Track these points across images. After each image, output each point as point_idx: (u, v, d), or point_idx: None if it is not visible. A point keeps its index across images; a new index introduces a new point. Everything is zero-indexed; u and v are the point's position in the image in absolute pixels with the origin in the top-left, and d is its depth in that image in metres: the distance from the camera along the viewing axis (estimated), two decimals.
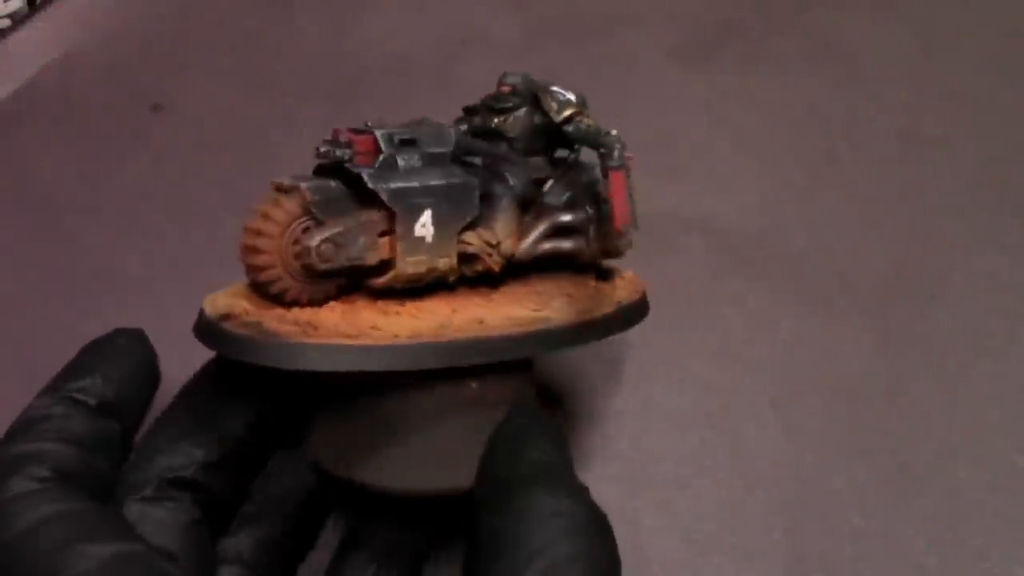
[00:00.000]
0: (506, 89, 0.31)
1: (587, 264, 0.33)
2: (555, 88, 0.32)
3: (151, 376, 0.30)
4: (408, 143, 0.28)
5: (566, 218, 0.31)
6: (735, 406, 0.39)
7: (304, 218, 0.27)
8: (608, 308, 0.32)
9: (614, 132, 0.31)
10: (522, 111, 0.31)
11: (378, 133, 0.28)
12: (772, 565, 0.35)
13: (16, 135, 0.50)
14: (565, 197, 0.32)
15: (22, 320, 0.42)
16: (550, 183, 0.32)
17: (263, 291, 0.28)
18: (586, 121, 0.32)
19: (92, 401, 0.27)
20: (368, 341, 0.27)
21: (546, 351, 0.30)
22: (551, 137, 0.32)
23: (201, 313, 0.28)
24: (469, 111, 0.33)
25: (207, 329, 0.27)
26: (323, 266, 0.27)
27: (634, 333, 0.42)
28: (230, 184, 0.48)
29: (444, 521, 0.33)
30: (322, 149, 0.28)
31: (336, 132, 0.28)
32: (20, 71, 0.53)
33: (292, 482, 0.31)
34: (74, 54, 0.54)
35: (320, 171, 0.29)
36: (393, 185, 0.27)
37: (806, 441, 0.38)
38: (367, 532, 0.31)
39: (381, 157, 0.28)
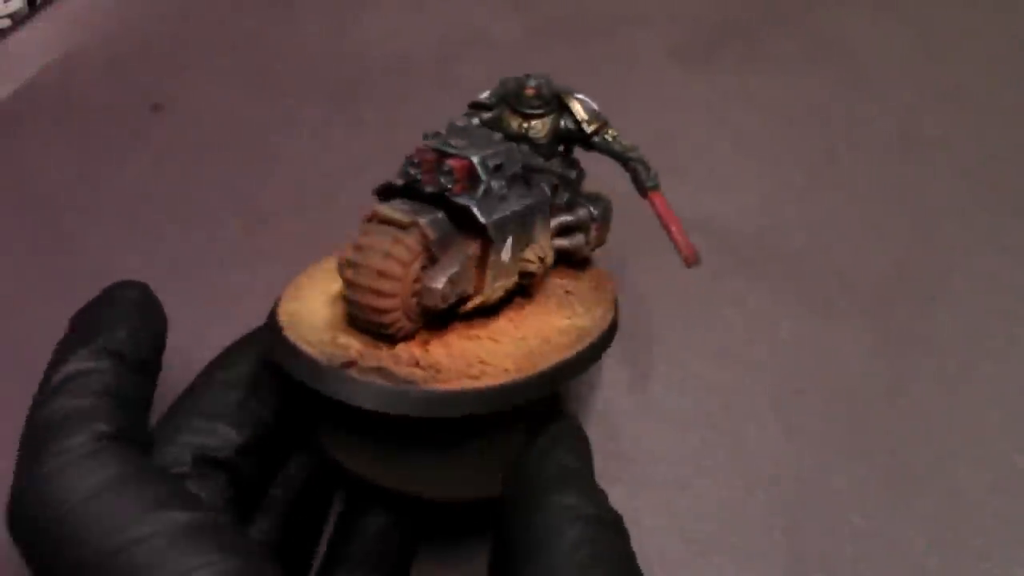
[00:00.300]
0: (531, 92, 0.31)
1: (582, 260, 0.33)
2: (581, 96, 0.32)
3: (164, 332, 0.29)
4: (498, 168, 0.28)
5: (570, 218, 0.32)
6: (735, 406, 0.39)
7: (423, 256, 0.26)
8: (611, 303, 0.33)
9: (638, 147, 0.32)
10: (549, 117, 0.31)
11: (475, 160, 0.27)
12: (772, 565, 0.35)
13: (16, 135, 0.50)
14: (567, 196, 0.32)
15: (22, 320, 0.42)
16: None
17: (374, 329, 0.27)
18: (611, 133, 0.32)
19: (128, 356, 0.26)
20: (489, 380, 0.26)
21: (593, 363, 0.30)
22: (568, 141, 0.32)
23: (296, 351, 0.26)
24: (478, 106, 0.32)
25: (324, 375, 0.26)
26: (443, 305, 0.27)
27: (634, 333, 0.42)
28: (230, 184, 0.48)
29: (436, 520, 0.33)
30: (412, 171, 0.27)
31: (420, 153, 0.27)
32: (20, 71, 0.53)
33: (306, 475, 0.31)
34: (74, 54, 0.54)
35: (398, 192, 0.28)
36: (495, 217, 0.27)
37: (806, 441, 0.38)
38: (357, 531, 0.31)
39: (482, 188, 0.27)
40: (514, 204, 0.28)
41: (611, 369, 0.40)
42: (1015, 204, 0.46)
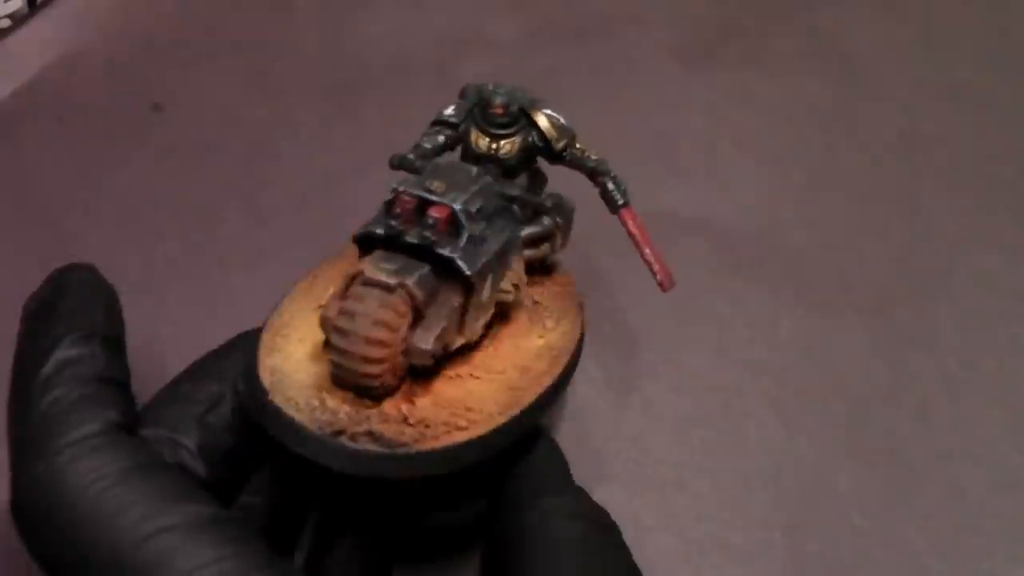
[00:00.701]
0: (500, 111, 0.30)
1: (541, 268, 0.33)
2: (548, 111, 0.31)
3: (121, 310, 0.28)
4: (478, 210, 0.27)
5: (536, 229, 0.31)
6: (735, 406, 0.39)
7: (410, 316, 0.26)
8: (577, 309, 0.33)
9: (607, 161, 0.31)
10: (518, 136, 0.30)
11: (457, 208, 0.26)
12: (772, 565, 0.35)
13: (16, 135, 0.50)
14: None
15: None
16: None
17: (361, 390, 0.26)
18: (579, 147, 0.31)
19: (109, 339, 0.26)
20: (477, 429, 0.26)
21: (567, 383, 0.30)
22: (534, 153, 0.32)
23: (284, 418, 0.26)
24: (442, 123, 0.31)
25: (314, 444, 0.25)
26: (431, 363, 0.26)
27: (634, 333, 0.42)
28: (230, 184, 0.48)
29: (410, 540, 0.33)
30: (393, 223, 0.26)
31: (401, 201, 0.26)
32: (20, 71, 0.53)
33: (279, 488, 0.30)
34: (74, 54, 0.54)
35: (379, 242, 0.27)
36: (479, 263, 0.27)
37: (806, 441, 0.38)
38: (331, 551, 0.31)
39: (466, 235, 0.26)
40: (493, 243, 0.28)
41: (611, 369, 0.40)
42: (1015, 204, 0.46)
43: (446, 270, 0.26)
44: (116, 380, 0.25)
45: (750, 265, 0.44)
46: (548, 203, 0.31)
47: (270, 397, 0.26)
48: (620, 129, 0.50)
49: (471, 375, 0.28)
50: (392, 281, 0.25)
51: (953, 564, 0.35)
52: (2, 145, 0.50)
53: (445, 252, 0.26)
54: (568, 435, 0.38)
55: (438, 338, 0.26)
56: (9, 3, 0.55)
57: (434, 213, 0.26)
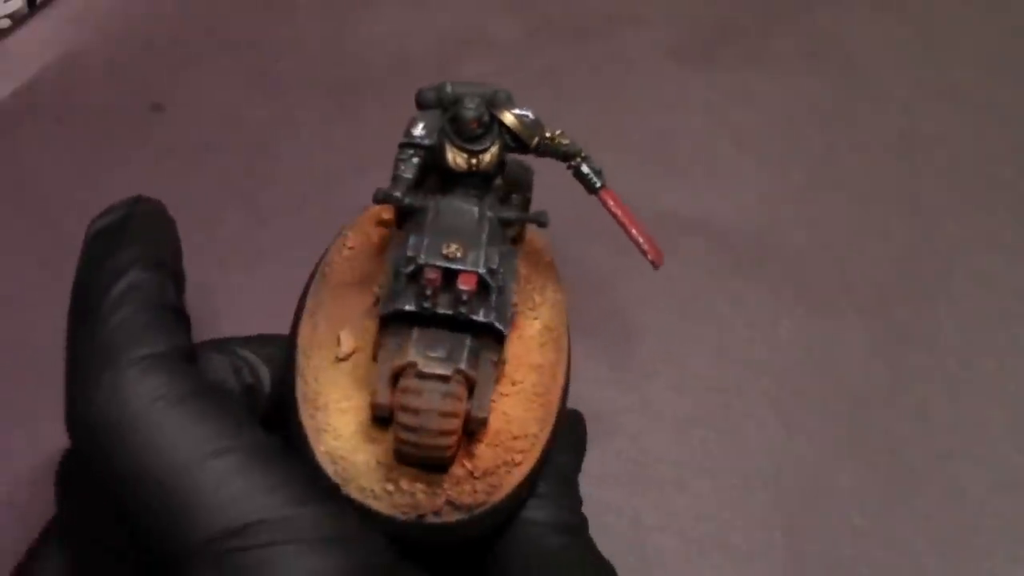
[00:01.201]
0: (474, 125, 0.29)
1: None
2: (517, 111, 0.30)
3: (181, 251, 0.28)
4: (500, 263, 0.28)
5: (510, 214, 0.30)
6: (735, 406, 0.39)
7: (467, 394, 0.27)
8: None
9: (579, 146, 0.31)
10: (495, 145, 0.29)
11: (482, 272, 0.27)
12: (772, 565, 0.35)
13: (16, 135, 0.50)
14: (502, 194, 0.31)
15: (22, 320, 0.42)
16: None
17: (431, 466, 0.27)
18: (549, 136, 0.31)
19: (172, 270, 0.26)
20: (531, 458, 0.27)
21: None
22: (508, 152, 0.31)
23: (369, 511, 0.26)
24: (412, 145, 0.30)
25: (404, 529, 0.26)
26: (487, 424, 0.27)
27: (634, 333, 0.42)
28: (230, 184, 0.48)
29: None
30: (426, 304, 0.26)
31: (428, 277, 0.26)
32: (20, 71, 0.53)
33: None
34: (74, 54, 0.54)
35: (410, 318, 0.27)
36: (508, 315, 0.27)
37: (806, 441, 0.38)
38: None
39: (493, 296, 0.27)
40: (509, 282, 0.28)
41: (611, 369, 0.40)
42: (1015, 204, 0.46)
43: (484, 331, 0.27)
44: (181, 312, 0.25)
45: (750, 265, 0.44)
46: (545, 218, 0.30)
47: (343, 491, 0.26)
48: (619, 129, 0.50)
49: (500, 394, 0.29)
50: (447, 372, 0.26)
51: (953, 564, 0.35)
52: (2, 145, 0.50)
53: (481, 319, 0.26)
54: (582, 414, 0.38)
55: (490, 399, 0.27)
56: (9, 3, 0.55)
57: (463, 285, 0.26)
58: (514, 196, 0.31)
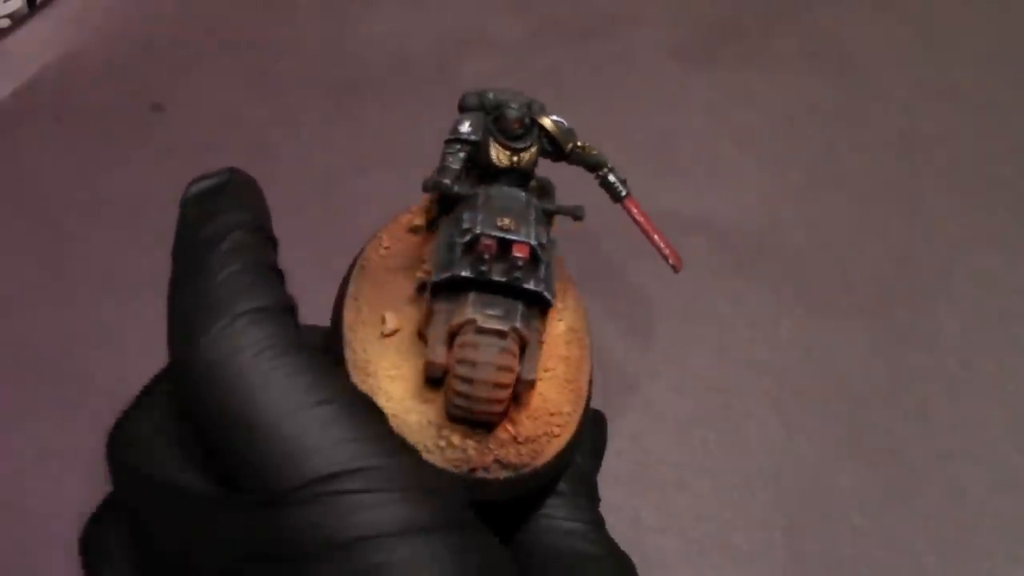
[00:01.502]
0: (517, 124, 0.31)
1: None
2: (555, 117, 0.32)
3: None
4: (550, 240, 0.29)
5: (551, 206, 0.34)
6: (735, 406, 0.39)
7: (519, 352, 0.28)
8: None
9: (606, 157, 0.33)
10: (535, 146, 0.32)
11: (534, 244, 0.28)
12: (772, 565, 0.35)
13: (16, 135, 0.50)
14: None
15: (22, 320, 0.42)
16: None
17: (480, 424, 0.28)
18: (581, 144, 0.33)
19: (271, 237, 0.27)
20: (568, 431, 0.29)
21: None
22: (544, 156, 0.33)
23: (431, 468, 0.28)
24: (460, 141, 0.32)
25: (458, 483, 0.28)
26: (535, 387, 0.29)
27: (634, 333, 0.42)
28: None
29: None
30: (483, 267, 0.28)
31: (484, 244, 0.28)
32: (20, 71, 0.53)
33: None
34: (74, 54, 0.54)
35: (465, 284, 0.29)
36: (554, 288, 0.29)
37: (806, 441, 0.38)
38: None
39: (543, 269, 0.29)
40: (553, 263, 0.30)
41: (611, 369, 0.40)
42: (1015, 204, 0.46)
43: (531, 300, 0.29)
44: (280, 271, 0.26)
45: (750, 265, 0.44)
46: (580, 211, 0.33)
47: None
48: (620, 129, 0.50)
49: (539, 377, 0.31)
50: (505, 328, 0.27)
51: (953, 564, 0.35)
52: (2, 145, 0.50)
53: (532, 287, 0.28)
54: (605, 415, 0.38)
55: (537, 364, 0.29)
56: (9, 3, 0.55)
57: (518, 252, 0.28)
58: (572, 204, 0.34)
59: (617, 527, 0.36)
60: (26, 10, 0.56)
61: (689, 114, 0.51)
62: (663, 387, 0.40)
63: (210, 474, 0.23)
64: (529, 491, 0.29)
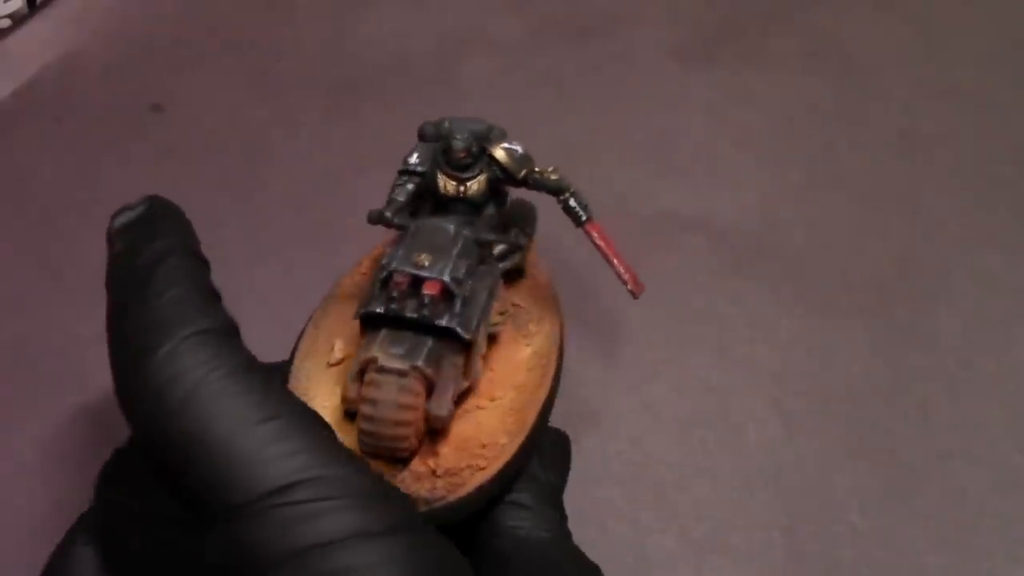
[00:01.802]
0: (463, 155, 0.31)
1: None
2: (507, 145, 0.32)
3: None
4: (465, 273, 0.29)
5: (504, 246, 0.33)
6: (735, 406, 0.39)
7: (426, 389, 0.29)
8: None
9: (569, 181, 0.32)
10: (483, 175, 0.32)
11: (447, 280, 0.29)
12: (772, 565, 0.35)
13: (16, 135, 0.50)
14: (495, 219, 0.33)
15: (22, 320, 0.42)
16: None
17: (393, 459, 0.29)
18: (539, 170, 0.33)
19: (204, 260, 0.28)
20: (495, 463, 0.29)
21: (558, 388, 0.32)
22: (498, 184, 0.33)
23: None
24: (408, 172, 0.33)
25: None
26: (448, 423, 0.29)
27: (634, 333, 0.42)
28: (230, 184, 0.48)
29: None
30: (393, 306, 0.29)
31: (396, 281, 0.29)
32: (20, 71, 0.53)
33: None
34: (74, 54, 0.54)
35: (382, 320, 0.29)
36: (473, 323, 0.29)
37: (806, 441, 0.38)
38: None
39: (458, 303, 0.29)
40: (481, 294, 0.30)
41: (611, 369, 0.40)
42: (1015, 204, 0.46)
43: (446, 336, 0.29)
44: (217, 293, 0.27)
45: (750, 265, 0.44)
46: (521, 239, 0.32)
47: None
48: (620, 128, 0.50)
49: (477, 407, 0.31)
50: (404, 367, 0.28)
51: (953, 564, 0.35)
52: (2, 145, 0.50)
53: (443, 323, 0.29)
54: (569, 435, 0.38)
55: (452, 401, 0.29)
56: (9, 3, 0.55)
57: (427, 291, 0.28)
58: (514, 231, 0.33)
59: (617, 528, 0.36)
60: (26, 10, 0.56)
61: (689, 114, 0.51)
62: (662, 387, 0.40)
63: (176, 497, 0.23)
64: (449, 522, 0.29)
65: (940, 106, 0.51)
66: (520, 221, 0.34)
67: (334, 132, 0.50)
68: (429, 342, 0.28)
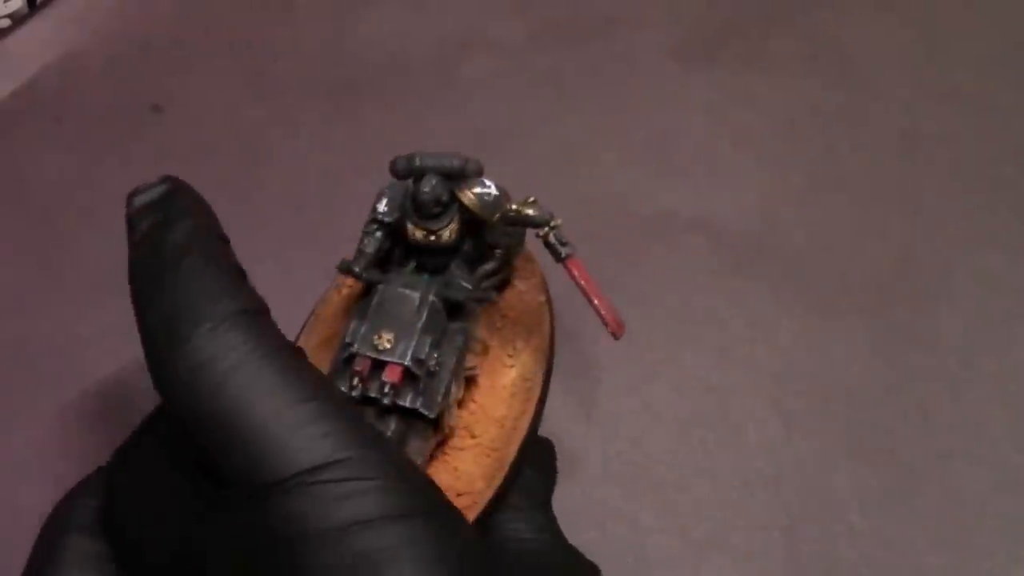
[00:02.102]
0: (431, 206, 0.30)
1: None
2: (479, 189, 0.31)
3: None
4: (430, 347, 0.29)
5: (489, 266, 0.33)
6: (735, 406, 0.39)
7: None
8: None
9: (552, 216, 0.31)
10: (453, 221, 0.31)
11: (408, 364, 0.29)
12: (772, 565, 0.35)
13: (16, 135, 0.50)
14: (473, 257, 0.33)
15: (22, 320, 0.42)
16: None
17: None
18: (515, 207, 0.31)
19: (228, 241, 0.28)
20: (473, 512, 0.29)
21: (542, 412, 0.32)
22: (474, 224, 0.32)
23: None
24: (377, 223, 0.32)
25: None
26: None
27: (634, 333, 0.42)
28: (229, 185, 0.48)
29: None
30: (355, 394, 0.29)
31: (358, 366, 0.29)
32: (20, 71, 0.53)
33: None
34: (74, 54, 0.54)
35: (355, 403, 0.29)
36: (438, 399, 0.29)
37: (806, 441, 0.38)
38: None
39: (422, 383, 0.29)
40: (449, 361, 0.30)
41: (611, 369, 0.40)
42: (1015, 204, 0.46)
43: (413, 415, 0.29)
44: (245, 273, 0.27)
45: (750, 265, 0.44)
46: (493, 295, 0.32)
47: None
48: (621, 129, 0.50)
49: (456, 448, 0.31)
50: None
51: (953, 564, 0.35)
52: (2, 145, 0.50)
53: (407, 404, 0.29)
54: (569, 436, 0.38)
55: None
56: (9, 3, 0.55)
57: (387, 377, 0.28)
58: (497, 252, 0.32)
59: (617, 528, 0.36)
60: (26, 10, 0.56)
61: (689, 115, 0.51)
62: (663, 387, 0.40)
63: (201, 476, 0.24)
64: None
65: (941, 107, 0.51)
66: (507, 239, 0.33)
67: (333, 132, 0.50)
68: (393, 423, 0.29)
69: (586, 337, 0.41)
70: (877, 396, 0.39)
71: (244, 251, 0.45)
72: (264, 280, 0.43)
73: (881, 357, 0.41)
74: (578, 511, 0.36)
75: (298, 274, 0.43)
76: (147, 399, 0.39)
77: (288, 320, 0.38)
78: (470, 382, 0.32)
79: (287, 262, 0.44)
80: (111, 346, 0.41)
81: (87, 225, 0.46)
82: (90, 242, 0.45)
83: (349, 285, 0.35)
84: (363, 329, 0.29)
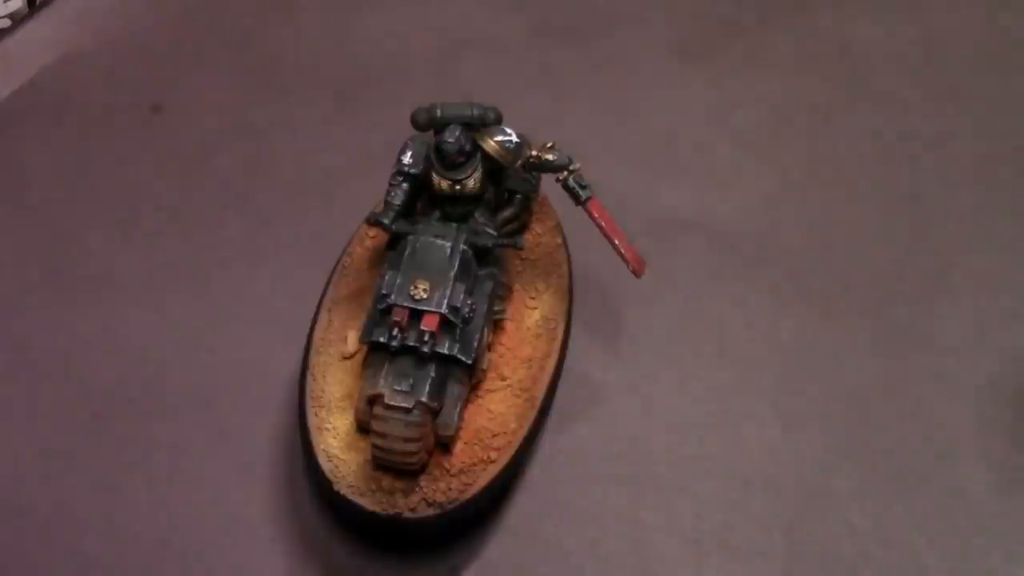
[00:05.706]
0: (455, 156, 0.31)
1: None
2: (500, 136, 0.32)
3: None
4: (464, 295, 0.30)
5: (507, 212, 0.34)
6: (735, 406, 0.39)
7: (430, 417, 0.30)
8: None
9: (572, 159, 0.32)
10: (477, 170, 0.32)
11: (445, 311, 0.29)
12: (772, 565, 0.35)
13: (16, 135, 0.50)
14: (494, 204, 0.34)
15: (22, 320, 0.42)
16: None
17: (406, 474, 0.31)
18: (535, 153, 0.32)
19: None
20: (505, 453, 0.31)
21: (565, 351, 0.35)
22: (497, 171, 0.33)
23: (354, 506, 0.31)
24: (403, 175, 0.33)
25: (387, 521, 0.31)
26: (456, 434, 0.31)
27: (634, 333, 0.42)
28: (230, 184, 0.48)
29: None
30: (395, 343, 0.30)
31: (397, 315, 0.30)
32: (20, 71, 0.53)
33: None
34: (74, 55, 0.54)
35: (390, 352, 0.30)
36: (474, 345, 0.30)
37: (806, 441, 0.38)
38: None
39: (459, 329, 0.30)
40: (482, 306, 0.31)
41: (611, 369, 0.40)
42: (1015, 204, 0.46)
43: (450, 360, 0.30)
44: None
45: (750, 265, 0.44)
46: (520, 241, 0.33)
47: (335, 487, 0.31)
48: (620, 128, 0.50)
49: (488, 390, 0.32)
50: (408, 404, 0.29)
51: (953, 564, 0.35)
52: (2, 145, 0.50)
53: (445, 351, 0.30)
54: (569, 436, 0.38)
55: (458, 416, 0.31)
56: (9, 3, 0.55)
57: (425, 326, 0.30)
58: (517, 197, 0.34)
59: (617, 528, 0.36)
60: (26, 10, 0.56)
61: (688, 114, 0.51)
62: (662, 387, 0.40)
63: None
64: (457, 523, 0.31)
65: (940, 107, 0.51)
66: (525, 183, 0.35)
67: (334, 132, 0.50)
68: (432, 371, 0.30)
69: (587, 338, 0.41)
70: (877, 396, 0.39)
71: (245, 250, 0.45)
72: (265, 280, 0.44)
73: (881, 357, 0.41)
74: (578, 511, 0.36)
75: (300, 273, 0.43)
76: (147, 399, 0.40)
77: (288, 320, 0.38)
78: (498, 325, 0.33)
79: (287, 261, 0.44)
80: (111, 346, 0.41)
81: (87, 225, 0.46)
82: (90, 242, 0.45)
83: (372, 236, 0.36)
84: (399, 280, 0.30)
